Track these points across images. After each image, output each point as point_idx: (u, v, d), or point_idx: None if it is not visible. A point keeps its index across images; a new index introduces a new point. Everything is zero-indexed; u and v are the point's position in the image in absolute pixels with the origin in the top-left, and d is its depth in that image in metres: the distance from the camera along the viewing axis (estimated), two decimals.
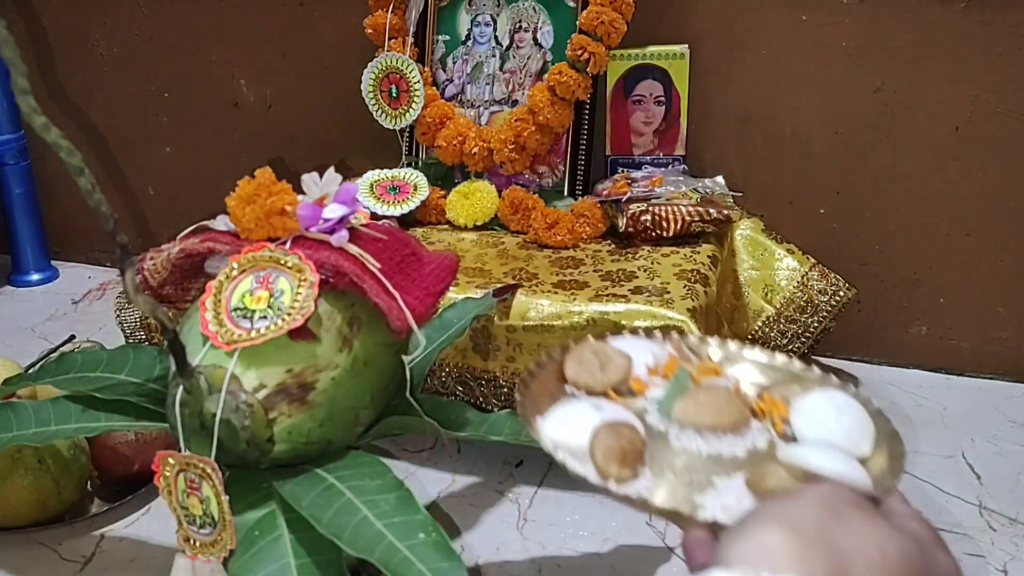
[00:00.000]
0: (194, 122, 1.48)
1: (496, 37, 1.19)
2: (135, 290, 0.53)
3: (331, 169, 0.67)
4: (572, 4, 1.15)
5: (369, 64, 1.19)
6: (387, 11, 1.19)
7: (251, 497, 0.62)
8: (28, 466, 0.84)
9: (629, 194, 1.07)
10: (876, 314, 1.21)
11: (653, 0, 1.14)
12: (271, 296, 0.61)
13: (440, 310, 0.89)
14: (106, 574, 0.83)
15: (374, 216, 0.82)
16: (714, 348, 0.62)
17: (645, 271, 0.98)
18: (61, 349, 1.11)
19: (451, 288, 0.73)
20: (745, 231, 1.11)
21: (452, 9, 1.21)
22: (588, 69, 1.10)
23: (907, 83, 1.11)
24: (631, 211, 1.04)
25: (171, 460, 0.60)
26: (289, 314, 0.61)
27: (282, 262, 0.63)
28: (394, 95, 1.19)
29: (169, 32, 1.44)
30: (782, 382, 0.59)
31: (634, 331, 0.63)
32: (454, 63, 1.21)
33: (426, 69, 1.20)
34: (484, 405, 0.95)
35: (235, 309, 0.62)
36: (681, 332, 0.68)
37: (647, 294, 0.91)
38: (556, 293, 0.93)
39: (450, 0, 1.21)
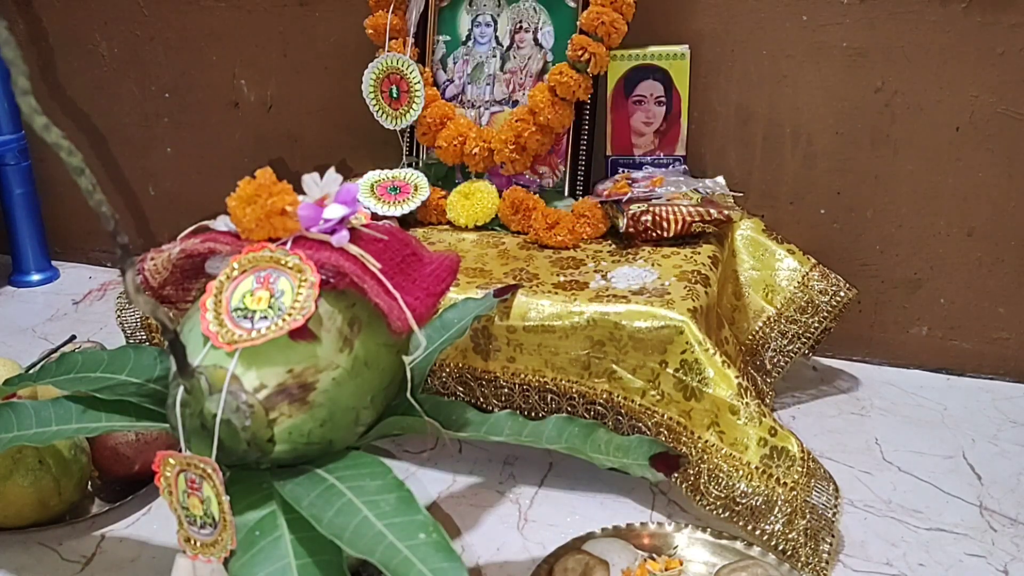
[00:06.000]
0: (194, 122, 1.48)
1: (497, 37, 1.19)
2: (136, 290, 0.53)
3: (331, 169, 0.67)
4: (573, 4, 1.14)
5: (369, 64, 1.19)
6: (387, 11, 1.19)
7: (251, 497, 0.62)
8: (29, 466, 0.84)
9: (630, 194, 1.07)
10: (876, 314, 1.21)
11: (653, 0, 1.14)
12: (272, 296, 0.61)
13: (441, 310, 0.89)
14: (107, 574, 0.83)
15: (375, 216, 0.82)
16: (675, 535, 0.82)
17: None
18: (62, 349, 1.11)
19: (452, 288, 0.73)
20: (746, 231, 1.11)
21: (453, 9, 1.21)
22: (589, 69, 1.10)
23: (908, 83, 1.11)
24: (632, 211, 1.04)
25: (172, 460, 0.60)
26: (290, 314, 0.61)
27: (283, 262, 0.63)
28: (395, 95, 1.19)
29: (169, 32, 1.44)
30: (736, 563, 0.77)
31: (605, 531, 0.82)
32: (455, 63, 1.21)
33: (426, 69, 1.20)
34: (485, 405, 0.95)
35: (236, 309, 0.62)
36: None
37: (648, 295, 0.91)
38: (556, 293, 0.93)
39: (451, 0, 1.21)
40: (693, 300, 0.90)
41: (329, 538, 0.56)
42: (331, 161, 0.79)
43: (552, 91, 1.10)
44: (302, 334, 0.61)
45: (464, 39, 1.20)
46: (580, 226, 1.08)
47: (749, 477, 0.82)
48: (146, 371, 0.77)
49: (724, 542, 0.81)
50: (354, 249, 0.65)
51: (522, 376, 0.93)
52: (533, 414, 0.93)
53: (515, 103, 1.18)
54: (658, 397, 0.88)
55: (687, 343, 0.86)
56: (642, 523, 0.83)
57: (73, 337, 1.19)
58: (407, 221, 1.16)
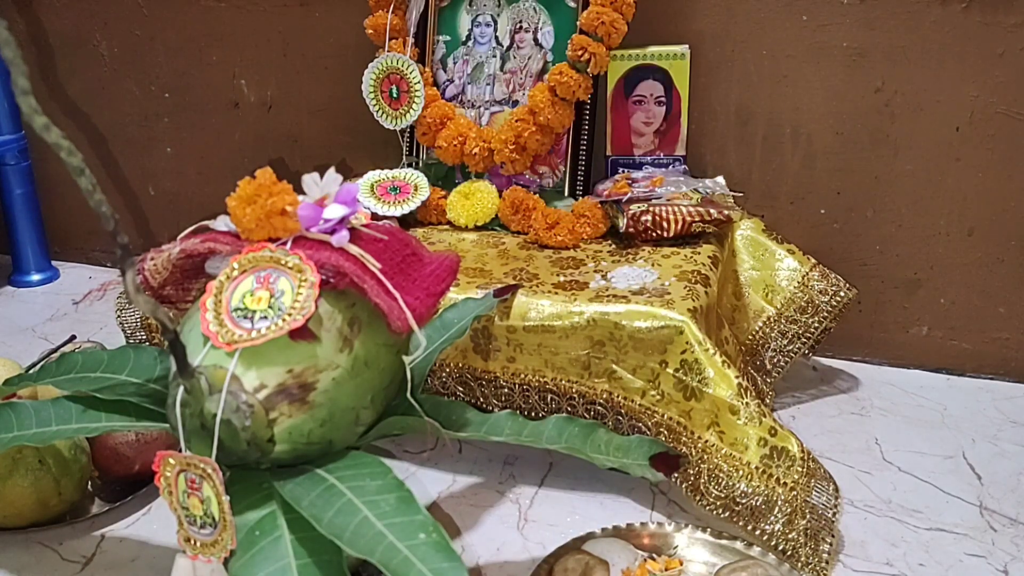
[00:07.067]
0: (195, 122, 1.48)
1: (497, 37, 1.19)
2: (136, 290, 0.53)
3: (331, 169, 0.67)
4: (573, 4, 1.14)
5: (369, 64, 1.19)
6: (387, 11, 1.19)
7: (252, 497, 0.62)
8: (29, 466, 0.84)
9: (630, 194, 1.07)
10: (876, 314, 1.21)
11: (653, 0, 1.14)
12: (272, 296, 0.61)
13: (441, 310, 0.89)
14: (107, 574, 0.83)
15: (375, 216, 0.82)
16: (675, 535, 0.82)
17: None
18: (62, 349, 1.11)
19: (452, 288, 0.73)
20: (746, 231, 1.11)
21: (453, 9, 1.21)
22: (589, 69, 1.10)
23: (908, 83, 1.11)
24: (632, 211, 1.04)
25: (172, 460, 0.60)
26: (290, 314, 0.61)
27: (283, 262, 0.63)
28: (395, 95, 1.19)
29: (169, 32, 1.44)
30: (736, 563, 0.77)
31: (605, 531, 0.82)
32: (455, 63, 1.21)
33: (426, 69, 1.20)
34: (485, 405, 0.95)
35: (236, 309, 0.62)
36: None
37: (648, 295, 0.91)
38: (557, 293, 0.93)
39: (451, 0, 1.21)
40: (693, 300, 0.90)
41: (329, 538, 0.56)
42: (331, 161, 0.79)
43: (552, 91, 1.10)
44: (302, 334, 0.61)
45: (464, 39, 1.20)
46: (580, 226, 1.08)
47: (749, 477, 0.82)
48: (146, 371, 0.77)
49: (724, 542, 0.81)
50: (354, 249, 0.65)
51: (522, 376, 0.93)
52: (533, 414, 0.93)
53: (515, 103, 1.18)
54: (658, 397, 0.88)
55: (687, 343, 0.86)
56: (642, 523, 0.83)
57: (73, 337, 1.19)
58: (407, 221, 1.16)
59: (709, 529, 0.82)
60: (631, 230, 1.04)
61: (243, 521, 0.60)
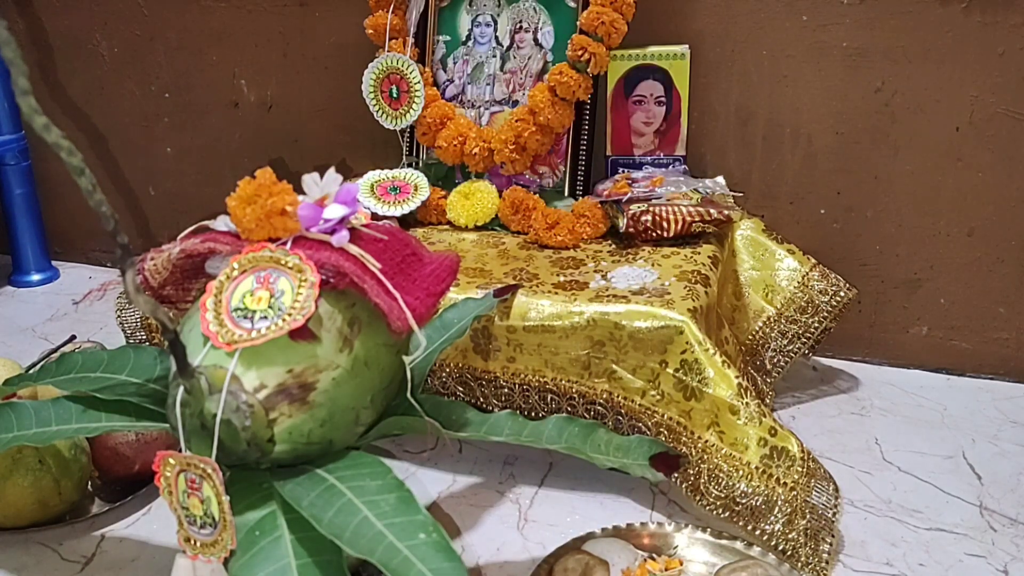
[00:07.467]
0: (194, 122, 1.48)
1: (497, 37, 1.19)
2: (136, 290, 0.53)
3: (331, 169, 0.67)
4: (573, 4, 1.15)
5: (369, 64, 1.19)
6: (388, 11, 1.19)
7: (251, 497, 0.62)
8: (29, 466, 0.84)
9: (630, 194, 1.07)
10: (876, 314, 1.21)
11: (653, 0, 1.14)
12: (272, 296, 0.61)
13: (441, 310, 0.89)
14: (107, 574, 0.83)
15: (375, 216, 0.82)
16: (675, 535, 0.82)
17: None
18: (62, 349, 1.11)
19: (452, 288, 0.73)
20: (746, 231, 1.11)
21: (453, 9, 1.21)
22: (589, 69, 1.10)
23: (908, 83, 1.11)
24: (632, 211, 1.04)
25: (172, 460, 0.60)
26: (290, 314, 0.61)
27: (283, 262, 0.63)
28: (395, 95, 1.19)
29: (169, 32, 1.44)
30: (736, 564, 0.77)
31: (605, 531, 0.82)
32: (455, 63, 1.21)
33: (426, 69, 1.20)
34: (485, 405, 0.95)
35: (236, 309, 0.62)
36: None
37: (648, 295, 0.91)
38: (557, 293, 0.93)
39: (451, 0, 1.21)
40: (693, 300, 0.90)
41: (329, 538, 0.56)
42: (331, 161, 0.79)
43: (552, 91, 1.10)
44: (302, 334, 0.61)
45: (464, 39, 1.20)
46: (580, 226, 1.08)
47: (749, 477, 0.82)
48: (146, 371, 0.77)
49: (724, 542, 0.81)
50: (354, 249, 0.65)
51: (522, 376, 0.93)
52: (533, 414, 0.93)
53: (515, 103, 1.18)
54: (658, 397, 0.88)
55: (687, 343, 0.86)
56: (642, 523, 0.83)
57: (73, 337, 1.19)
58: (407, 221, 1.16)
59: (709, 529, 0.82)
60: (631, 230, 1.04)
61: (243, 521, 0.60)
